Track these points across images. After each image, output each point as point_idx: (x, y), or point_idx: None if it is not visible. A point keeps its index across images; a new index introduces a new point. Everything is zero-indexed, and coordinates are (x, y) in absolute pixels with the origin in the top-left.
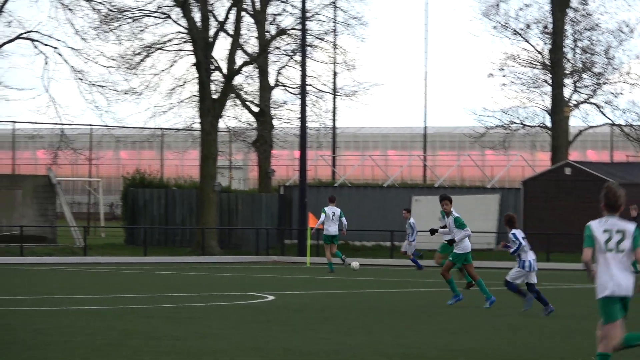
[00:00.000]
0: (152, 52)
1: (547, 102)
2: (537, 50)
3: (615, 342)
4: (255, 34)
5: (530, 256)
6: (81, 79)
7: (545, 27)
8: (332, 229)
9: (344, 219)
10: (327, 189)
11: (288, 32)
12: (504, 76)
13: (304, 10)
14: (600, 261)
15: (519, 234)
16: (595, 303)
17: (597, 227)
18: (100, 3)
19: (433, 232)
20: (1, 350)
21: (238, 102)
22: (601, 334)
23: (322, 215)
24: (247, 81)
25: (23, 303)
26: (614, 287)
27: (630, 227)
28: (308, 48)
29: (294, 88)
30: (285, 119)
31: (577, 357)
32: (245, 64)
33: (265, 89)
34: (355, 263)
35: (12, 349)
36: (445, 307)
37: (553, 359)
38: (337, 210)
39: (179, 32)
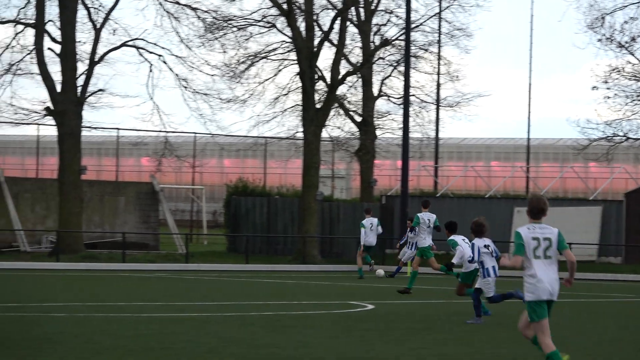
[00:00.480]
0: (257, 61)
1: None
2: None
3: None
4: (360, 44)
5: (490, 263)
6: (185, 87)
7: None
8: (370, 239)
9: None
10: (429, 199)
11: (392, 42)
12: (608, 89)
13: (408, 21)
14: (529, 266)
15: (479, 242)
16: None
17: (527, 234)
18: (205, 12)
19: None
20: (103, 356)
21: (341, 111)
22: (537, 331)
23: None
24: (351, 91)
25: (125, 309)
26: (542, 292)
27: (555, 232)
28: (412, 58)
29: (397, 98)
30: (388, 129)
31: None
32: (348, 73)
33: (369, 98)
34: (380, 271)
35: (112, 354)
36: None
37: None
38: (375, 220)
39: (284, 41)
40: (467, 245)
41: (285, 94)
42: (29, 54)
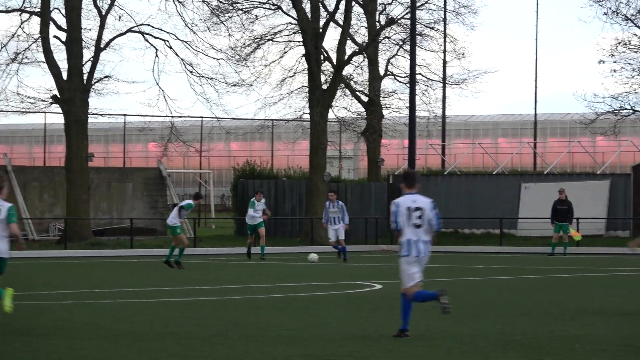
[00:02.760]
0: (263, 44)
1: None
2: None
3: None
4: (365, 24)
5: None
6: (191, 72)
7: None
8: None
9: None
10: (437, 177)
11: (398, 21)
12: (614, 62)
13: None
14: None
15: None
16: None
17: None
18: None
19: None
20: (113, 342)
21: (347, 92)
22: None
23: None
24: (357, 71)
25: (134, 295)
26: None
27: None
28: (418, 37)
29: (403, 77)
30: (394, 108)
31: None
32: (354, 54)
33: (375, 78)
34: (313, 255)
35: (122, 339)
36: (553, 294)
37: None
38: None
39: (289, 23)
40: None
41: (292, 76)
42: (34, 42)
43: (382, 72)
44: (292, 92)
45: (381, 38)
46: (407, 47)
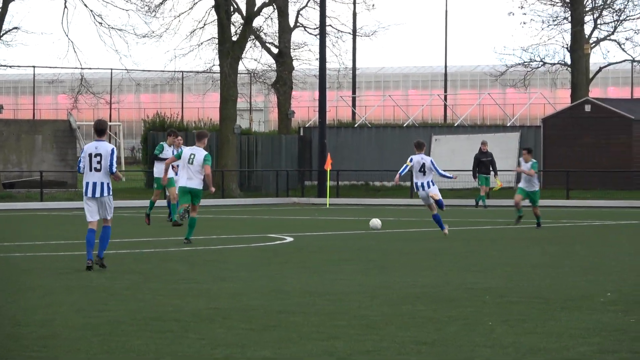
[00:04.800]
0: None
1: (567, 39)
2: None
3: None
4: None
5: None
6: (100, 23)
7: None
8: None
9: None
10: (347, 129)
11: None
12: (524, 14)
13: None
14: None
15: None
16: (611, 239)
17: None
18: None
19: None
20: (21, 294)
21: (258, 43)
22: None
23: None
24: (267, 22)
25: (42, 248)
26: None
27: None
28: None
29: (313, 29)
30: (305, 60)
31: (595, 293)
32: (264, 5)
33: (285, 30)
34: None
35: (32, 293)
36: (465, 246)
37: (571, 296)
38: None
39: None
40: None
41: (201, 27)
42: None
43: (292, 23)
44: (201, 43)
45: None
46: None
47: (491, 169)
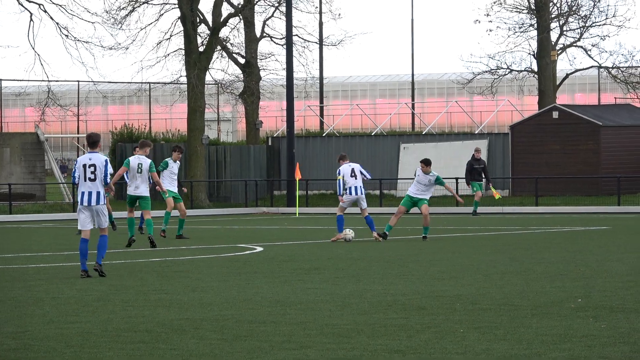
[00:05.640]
0: (138, 7)
1: (534, 46)
2: None
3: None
4: None
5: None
6: (67, 36)
7: None
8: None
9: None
10: (316, 139)
11: None
12: (490, 22)
13: None
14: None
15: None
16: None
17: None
18: None
19: None
20: None
21: (224, 54)
22: None
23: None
24: (233, 33)
25: (13, 261)
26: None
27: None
28: None
29: (280, 39)
30: (272, 70)
31: (564, 299)
32: (230, 16)
33: (252, 40)
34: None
35: (2, 305)
36: (434, 255)
37: (541, 303)
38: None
39: None
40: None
41: (168, 39)
42: None
43: (258, 34)
44: (168, 55)
45: (257, 0)
46: (283, 9)
47: (484, 176)
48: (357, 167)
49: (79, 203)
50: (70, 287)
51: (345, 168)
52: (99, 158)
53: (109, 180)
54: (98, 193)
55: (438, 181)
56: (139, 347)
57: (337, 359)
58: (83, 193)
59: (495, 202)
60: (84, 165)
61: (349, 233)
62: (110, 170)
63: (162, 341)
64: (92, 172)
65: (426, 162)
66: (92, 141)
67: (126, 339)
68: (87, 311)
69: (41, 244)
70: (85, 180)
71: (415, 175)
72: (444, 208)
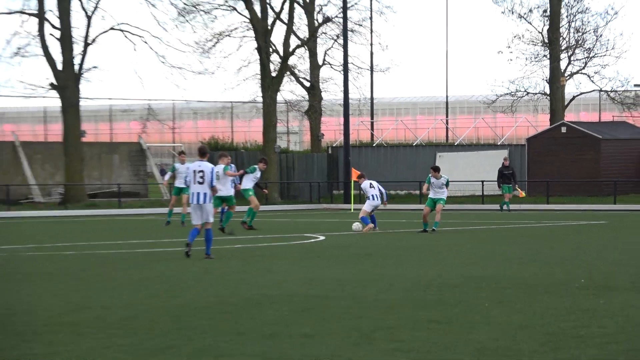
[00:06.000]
0: (222, 39)
1: (547, 73)
2: (538, 30)
3: None
4: (306, 22)
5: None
6: (163, 62)
7: (545, 11)
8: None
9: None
10: (367, 148)
11: (333, 19)
12: (511, 52)
13: (345, 1)
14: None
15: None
16: (583, 236)
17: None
18: None
19: None
20: (107, 284)
21: (293, 78)
22: None
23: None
24: (300, 61)
25: (122, 247)
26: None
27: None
28: (349, 32)
29: (338, 66)
30: (331, 91)
31: (570, 280)
32: (297, 47)
33: (315, 67)
34: (356, 225)
35: (112, 283)
36: (463, 244)
37: (551, 283)
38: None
39: (243, 21)
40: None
41: (246, 66)
42: (33, 39)
43: (320, 61)
44: (247, 78)
45: (319, 34)
46: (341, 41)
47: (512, 180)
48: (374, 182)
49: (190, 202)
50: (170, 268)
51: (366, 183)
52: (207, 166)
53: (214, 184)
54: (205, 194)
55: (447, 183)
56: (225, 317)
57: (385, 327)
58: (193, 194)
59: (516, 201)
60: (194, 171)
61: (356, 226)
62: (215, 176)
63: (243, 312)
64: (200, 177)
65: (435, 169)
66: (202, 152)
67: (215, 310)
68: (183, 288)
69: (145, 234)
70: (194, 183)
71: (428, 181)
72: (471, 205)
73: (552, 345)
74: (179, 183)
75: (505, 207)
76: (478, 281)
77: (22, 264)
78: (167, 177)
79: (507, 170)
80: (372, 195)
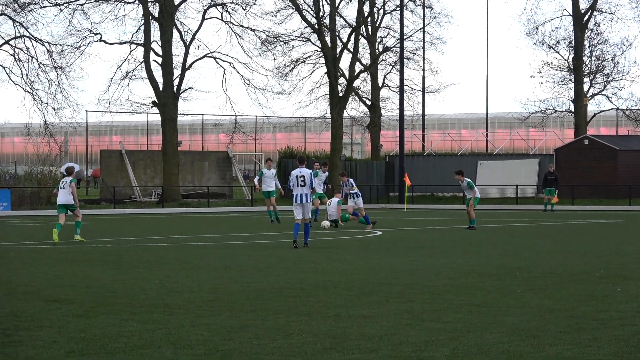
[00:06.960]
0: (297, 65)
1: (571, 94)
2: (564, 58)
3: None
4: (368, 51)
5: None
6: (248, 84)
7: (570, 42)
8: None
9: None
10: (419, 157)
11: (391, 49)
12: (541, 77)
13: (401, 33)
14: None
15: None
16: (602, 232)
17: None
18: (261, 31)
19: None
20: (195, 272)
21: (356, 98)
22: None
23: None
24: (363, 83)
25: (210, 239)
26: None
27: (307, 172)
28: (405, 60)
29: (395, 88)
30: (389, 109)
31: (591, 270)
32: (361, 71)
33: (375, 88)
34: (325, 223)
35: (202, 270)
36: (499, 238)
37: (575, 272)
38: (274, 171)
39: (316, 50)
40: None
41: (318, 87)
42: (139, 64)
43: (380, 84)
44: (318, 98)
45: (379, 60)
46: (398, 67)
47: (555, 184)
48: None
49: (294, 201)
50: (248, 258)
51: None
52: (307, 172)
53: (313, 185)
54: (306, 195)
55: (470, 185)
56: (295, 300)
57: (433, 309)
58: (296, 195)
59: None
60: (296, 176)
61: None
62: (313, 179)
63: (311, 296)
64: (302, 181)
65: (457, 172)
66: (301, 160)
67: (287, 294)
68: (260, 275)
69: (230, 229)
70: (297, 186)
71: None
72: (507, 205)
73: (576, 327)
74: (265, 187)
75: (548, 207)
76: (512, 270)
77: (124, 254)
78: (256, 180)
79: (551, 176)
80: (356, 193)
